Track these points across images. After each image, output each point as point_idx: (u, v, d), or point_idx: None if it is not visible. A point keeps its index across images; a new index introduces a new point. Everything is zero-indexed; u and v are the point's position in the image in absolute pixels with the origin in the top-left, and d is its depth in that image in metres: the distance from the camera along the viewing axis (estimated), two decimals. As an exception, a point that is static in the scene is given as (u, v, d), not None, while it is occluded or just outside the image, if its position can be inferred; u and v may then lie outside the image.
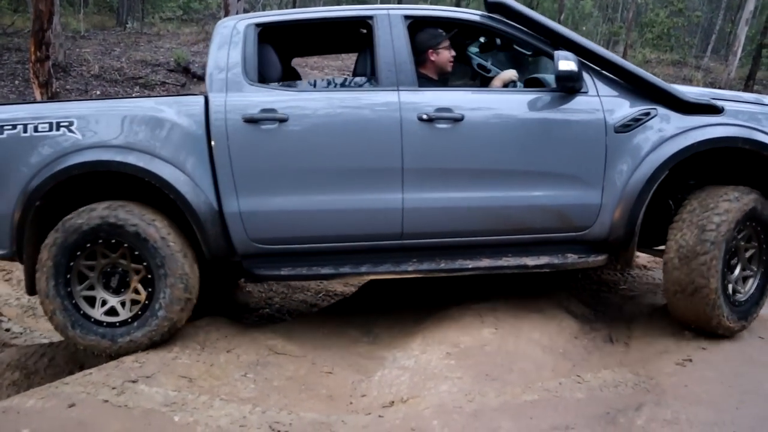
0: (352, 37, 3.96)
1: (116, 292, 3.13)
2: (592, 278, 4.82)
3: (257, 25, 3.31)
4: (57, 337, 3.95)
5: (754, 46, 24.07)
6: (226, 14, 13.49)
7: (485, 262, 3.28)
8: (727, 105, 3.28)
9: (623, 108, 3.26)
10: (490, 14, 3.36)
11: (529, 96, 3.27)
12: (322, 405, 2.74)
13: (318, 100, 3.23)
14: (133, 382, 2.68)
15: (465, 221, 3.24)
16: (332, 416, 2.62)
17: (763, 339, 3.36)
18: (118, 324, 3.07)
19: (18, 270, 4.88)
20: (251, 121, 3.09)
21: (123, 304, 3.12)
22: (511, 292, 3.75)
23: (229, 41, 3.26)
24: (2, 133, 3.06)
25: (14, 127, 3.06)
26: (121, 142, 3.08)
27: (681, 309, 3.22)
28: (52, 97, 7.82)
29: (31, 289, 3.15)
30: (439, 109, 3.14)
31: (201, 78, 13.07)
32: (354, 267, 3.25)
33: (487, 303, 3.54)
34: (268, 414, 2.58)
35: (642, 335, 3.43)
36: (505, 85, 3.48)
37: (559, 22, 22.05)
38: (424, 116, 3.13)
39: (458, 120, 3.14)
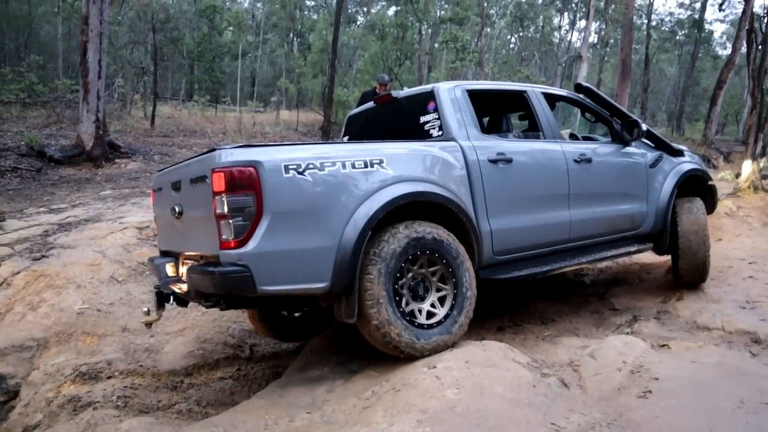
0: (506, 104, 5.29)
1: (420, 299, 3.66)
2: (520, 323, 4.86)
3: (468, 90, 4.35)
4: None
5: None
6: (86, 93, 12.72)
7: (611, 252, 4.84)
8: (685, 151, 5.60)
9: (648, 154, 5.27)
10: (578, 93, 5.18)
11: (614, 147, 5.10)
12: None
13: (524, 147, 4.47)
14: None
15: (596, 227, 4.79)
16: None
17: (695, 363, 3.53)
18: (443, 321, 3.64)
19: None
20: (493, 161, 4.10)
21: (433, 305, 3.68)
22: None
23: (458, 103, 4.21)
24: (323, 170, 3.31)
25: (333, 164, 3.35)
26: (423, 177, 3.73)
27: None
28: None
29: (356, 315, 3.38)
30: (581, 154, 4.68)
31: (59, 161, 11.96)
32: (550, 265, 4.40)
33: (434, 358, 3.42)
34: None
35: (591, 374, 3.45)
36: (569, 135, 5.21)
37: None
38: (577, 158, 4.64)
39: (590, 161, 4.73)
